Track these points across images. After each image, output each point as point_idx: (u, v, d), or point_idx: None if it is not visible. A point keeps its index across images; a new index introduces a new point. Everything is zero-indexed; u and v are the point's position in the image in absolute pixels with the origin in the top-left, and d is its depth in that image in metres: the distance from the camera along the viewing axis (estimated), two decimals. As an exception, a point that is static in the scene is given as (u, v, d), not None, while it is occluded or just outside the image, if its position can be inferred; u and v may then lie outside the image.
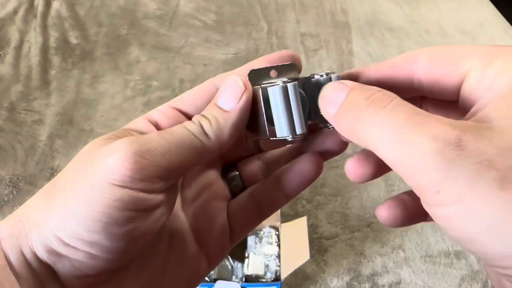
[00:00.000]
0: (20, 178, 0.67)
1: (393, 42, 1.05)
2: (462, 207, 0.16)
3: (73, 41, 0.92)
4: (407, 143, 0.17)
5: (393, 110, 0.18)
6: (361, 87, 0.20)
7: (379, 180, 0.71)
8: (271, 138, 0.24)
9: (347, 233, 0.67)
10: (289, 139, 0.23)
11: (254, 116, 0.24)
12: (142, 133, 0.24)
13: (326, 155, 0.27)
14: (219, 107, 0.24)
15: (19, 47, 0.89)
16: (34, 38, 0.91)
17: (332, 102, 0.21)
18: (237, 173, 0.29)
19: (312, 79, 0.25)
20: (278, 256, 0.58)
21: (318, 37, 1.03)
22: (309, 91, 0.24)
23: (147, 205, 0.21)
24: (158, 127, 0.25)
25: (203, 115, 0.24)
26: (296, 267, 0.56)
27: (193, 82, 0.86)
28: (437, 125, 0.17)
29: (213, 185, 0.28)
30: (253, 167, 0.29)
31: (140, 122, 0.25)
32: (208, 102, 0.25)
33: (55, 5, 1.00)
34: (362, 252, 0.65)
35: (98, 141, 0.22)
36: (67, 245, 0.20)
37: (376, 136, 0.18)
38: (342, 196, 0.71)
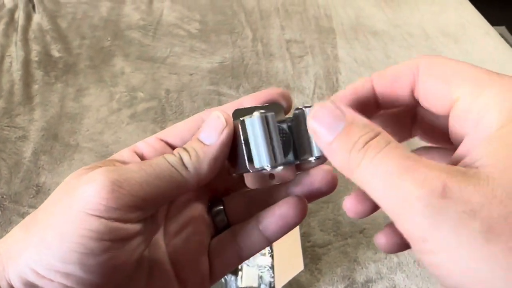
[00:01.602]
0: (4, 196, 0.66)
1: (378, 46, 1.05)
2: (448, 257, 0.16)
3: (56, 54, 0.91)
4: (395, 188, 0.17)
5: (385, 156, 0.18)
6: (359, 121, 0.20)
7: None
8: (251, 171, 0.24)
9: (340, 240, 0.67)
10: (269, 170, 0.24)
11: (235, 151, 0.25)
12: (126, 164, 0.24)
13: (314, 195, 0.27)
14: (200, 141, 0.24)
15: (0, 62, 0.87)
16: (15, 53, 0.89)
17: (327, 130, 0.21)
18: (222, 207, 0.28)
19: (295, 112, 0.25)
20: (272, 267, 0.57)
21: (303, 43, 1.03)
22: (294, 129, 0.25)
23: (123, 234, 0.21)
24: (143, 159, 0.25)
25: (184, 148, 0.24)
26: (290, 277, 0.55)
27: (180, 92, 0.85)
28: (425, 171, 0.17)
29: (198, 220, 0.28)
30: (239, 204, 0.28)
31: (125, 153, 0.25)
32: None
33: (36, 18, 0.98)
34: (355, 259, 0.65)
35: (80, 171, 0.22)
36: (42, 277, 0.20)
37: (368, 179, 0.19)
38: (333, 202, 0.71)
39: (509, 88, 0.18)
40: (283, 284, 0.55)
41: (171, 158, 0.23)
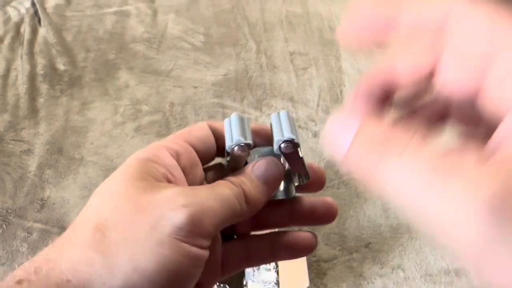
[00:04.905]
0: (9, 211, 0.66)
1: (382, 57, 1.05)
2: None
3: (61, 67, 0.91)
4: (437, 191, 0.14)
5: (412, 159, 0.15)
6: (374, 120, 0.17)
7: (375, 198, 0.70)
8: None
9: (345, 254, 0.66)
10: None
11: None
12: (167, 167, 0.25)
13: (315, 223, 0.31)
14: (258, 182, 0.26)
15: (5, 76, 0.87)
16: (21, 66, 0.90)
17: (340, 137, 0.17)
18: None
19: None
20: (277, 283, 0.57)
21: (307, 56, 1.03)
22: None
23: (203, 261, 0.22)
24: (179, 161, 0.26)
25: (244, 182, 0.26)
26: (296, 293, 0.55)
27: (184, 105, 0.86)
28: (476, 171, 0.14)
29: None
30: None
31: (162, 153, 0.25)
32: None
33: (42, 31, 0.99)
34: (361, 273, 0.64)
35: (136, 184, 0.23)
36: None
37: (396, 181, 0.15)
38: (338, 216, 0.70)
39: None
40: (288, 300, 0.55)
41: (236, 191, 0.25)
